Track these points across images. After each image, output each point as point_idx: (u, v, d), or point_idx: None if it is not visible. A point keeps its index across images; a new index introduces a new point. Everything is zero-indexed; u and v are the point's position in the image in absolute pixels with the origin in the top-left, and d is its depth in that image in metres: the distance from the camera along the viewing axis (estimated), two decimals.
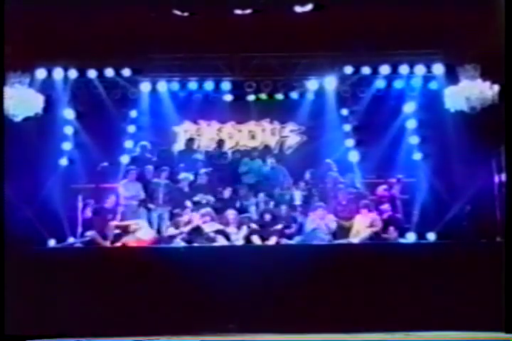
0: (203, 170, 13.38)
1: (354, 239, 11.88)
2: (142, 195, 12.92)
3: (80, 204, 12.76)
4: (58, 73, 13.23)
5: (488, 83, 11.92)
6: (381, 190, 13.00)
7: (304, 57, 13.53)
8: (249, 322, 9.93)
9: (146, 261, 10.38)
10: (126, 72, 13.42)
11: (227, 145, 14.61)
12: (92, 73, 13.40)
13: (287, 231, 12.12)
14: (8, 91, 11.68)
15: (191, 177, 13.22)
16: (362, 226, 12.04)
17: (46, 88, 12.93)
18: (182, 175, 13.18)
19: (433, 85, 13.44)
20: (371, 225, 12.03)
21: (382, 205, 12.73)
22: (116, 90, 13.83)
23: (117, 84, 13.78)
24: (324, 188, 13.04)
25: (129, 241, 11.60)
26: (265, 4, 10.84)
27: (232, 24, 11.34)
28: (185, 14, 11.15)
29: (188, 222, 12.06)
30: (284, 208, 12.56)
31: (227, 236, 11.87)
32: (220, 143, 14.50)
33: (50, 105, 12.70)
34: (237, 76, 13.76)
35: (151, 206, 12.74)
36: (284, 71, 13.69)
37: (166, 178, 13.02)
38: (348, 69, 13.43)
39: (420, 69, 13.30)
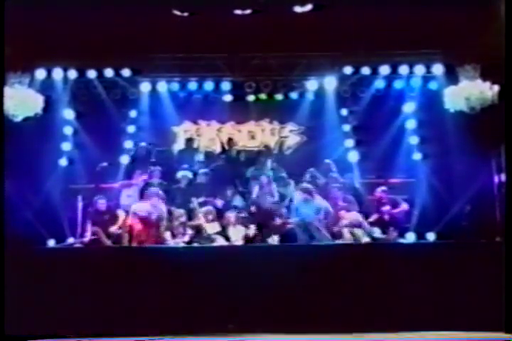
0: (202, 170, 13.39)
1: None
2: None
3: (80, 205, 12.75)
4: (58, 73, 13.25)
5: (487, 83, 11.94)
6: (379, 191, 12.97)
7: (304, 57, 13.54)
8: (249, 322, 9.93)
9: (146, 261, 10.37)
10: (126, 72, 13.44)
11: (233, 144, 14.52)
12: (91, 73, 13.42)
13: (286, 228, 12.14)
14: (8, 91, 11.70)
15: (190, 175, 13.22)
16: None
17: (46, 88, 12.95)
18: (180, 174, 13.16)
19: (433, 85, 13.45)
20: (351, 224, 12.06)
21: (382, 206, 12.72)
22: (116, 90, 13.85)
23: (117, 85, 13.81)
24: (324, 188, 13.03)
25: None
26: (265, 4, 10.83)
27: (232, 24, 11.33)
28: (185, 14, 11.15)
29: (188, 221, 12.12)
30: (283, 208, 12.57)
31: (226, 237, 11.89)
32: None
33: (49, 105, 12.73)
34: (236, 76, 13.78)
35: None
36: (284, 71, 13.71)
37: (158, 178, 13.00)
38: (348, 70, 13.45)
39: (420, 70, 13.32)
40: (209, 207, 12.31)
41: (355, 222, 12.05)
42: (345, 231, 11.88)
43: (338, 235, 11.84)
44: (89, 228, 12.03)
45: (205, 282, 10.13)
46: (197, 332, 9.63)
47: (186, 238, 11.84)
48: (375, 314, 10.03)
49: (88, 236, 11.89)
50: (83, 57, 12.82)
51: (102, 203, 12.19)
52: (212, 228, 11.95)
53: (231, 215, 12.10)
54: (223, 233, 11.92)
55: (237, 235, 11.85)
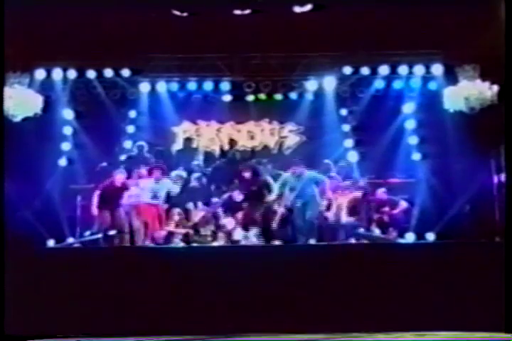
0: (196, 174, 13.38)
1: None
2: None
3: (80, 205, 12.75)
4: (57, 73, 13.26)
5: (487, 83, 11.96)
6: (380, 192, 12.97)
7: (304, 58, 13.53)
8: (249, 322, 9.92)
9: (146, 261, 10.36)
10: (126, 72, 13.45)
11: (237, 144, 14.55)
12: (91, 73, 13.42)
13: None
14: (7, 91, 11.72)
15: (184, 174, 13.21)
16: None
17: (45, 88, 12.98)
18: (174, 173, 13.13)
19: (432, 85, 13.46)
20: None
21: (382, 207, 12.73)
22: (116, 90, 13.85)
23: (116, 85, 13.81)
24: None
25: None
26: (265, 4, 10.85)
27: (232, 24, 11.35)
28: (185, 14, 11.17)
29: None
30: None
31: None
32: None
33: (49, 105, 12.77)
34: (236, 76, 13.78)
35: None
36: (284, 71, 13.70)
37: None
38: (347, 70, 13.46)
39: (419, 70, 13.33)
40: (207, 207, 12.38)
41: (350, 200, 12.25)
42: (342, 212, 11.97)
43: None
44: (95, 196, 11.98)
45: (205, 282, 10.12)
46: (197, 332, 9.63)
47: (182, 230, 11.92)
48: (375, 314, 10.03)
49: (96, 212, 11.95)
50: (83, 57, 12.82)
51: (119, 178, 12.10)
52: (230, 223, 12.01)
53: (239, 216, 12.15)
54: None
55: (238, 235, 11.90)
